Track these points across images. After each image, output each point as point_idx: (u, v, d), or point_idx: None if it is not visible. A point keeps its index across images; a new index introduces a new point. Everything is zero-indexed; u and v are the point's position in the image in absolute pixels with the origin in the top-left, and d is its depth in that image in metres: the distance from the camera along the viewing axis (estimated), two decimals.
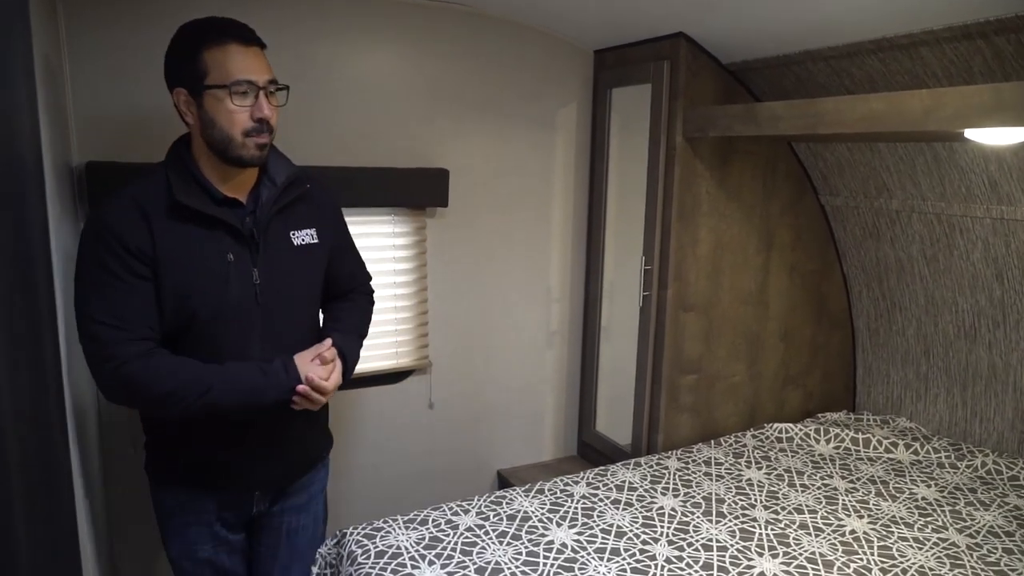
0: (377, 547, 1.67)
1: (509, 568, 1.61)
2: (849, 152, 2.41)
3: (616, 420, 2.68)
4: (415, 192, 2.30)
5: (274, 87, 1.39)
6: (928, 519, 1.91)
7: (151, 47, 1.49)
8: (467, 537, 1.74)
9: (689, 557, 1.68)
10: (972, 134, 1.66)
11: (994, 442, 2.40)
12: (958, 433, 2.49)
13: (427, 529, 1.76)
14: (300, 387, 1.41)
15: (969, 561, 1.70)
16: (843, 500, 2.01)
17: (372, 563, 1.61)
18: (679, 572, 1.61)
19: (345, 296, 1.71)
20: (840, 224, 2.65)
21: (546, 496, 1.97)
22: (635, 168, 2.43)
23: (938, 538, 1.81)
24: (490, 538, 1.74)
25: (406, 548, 1.67)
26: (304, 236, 1.51)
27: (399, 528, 1.76)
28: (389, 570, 1.59)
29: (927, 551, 1.74)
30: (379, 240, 2.32)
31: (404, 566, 1.60)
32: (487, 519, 1.83)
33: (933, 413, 2.59)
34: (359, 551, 1.66)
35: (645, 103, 2.35)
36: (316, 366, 1.45)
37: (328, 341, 1.49)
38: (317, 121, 2.14)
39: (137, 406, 1.48)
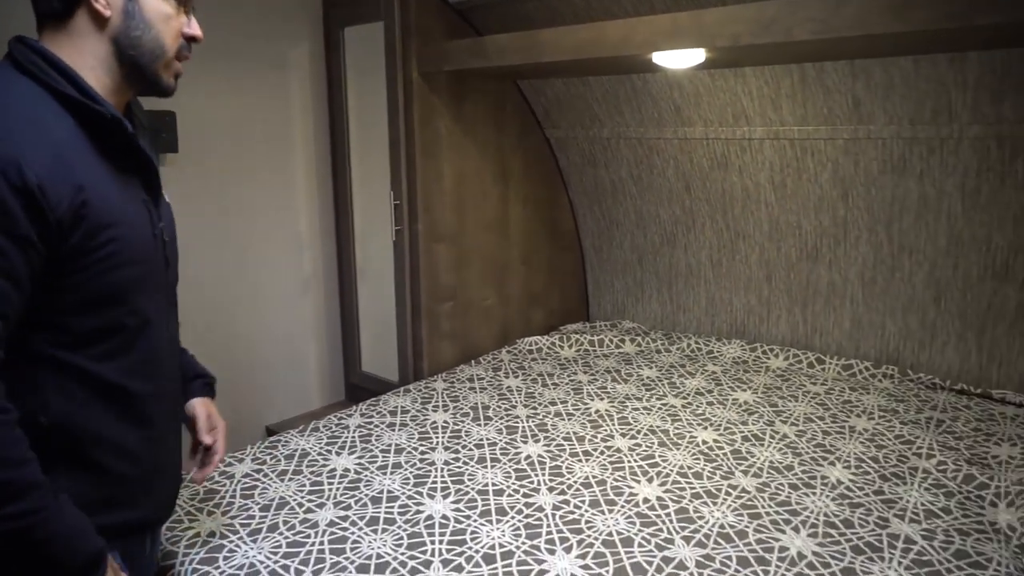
0: None
1: (295, 499, 1.61)
2: (566, 87, 2.68)
3: (381, 357, 2.75)
4: None
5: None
6: (652, 391, 2.29)
7: None
8: (245, 483, 1.70)
9: (464, 456, 1.83)
10: (659, 58, 1.96)
11: (694, 328, 2.92)
12: (668, 325, 2.98)
13: (200, 487, 1.68)
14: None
15: (684, 416, 2.08)
16: (587, 389, 2.31)
17: None
18: (457, 469, 1.75)
19: None
20: (563, 154, 2.95)
21: (322, 432, 1.98)
22: (375, 106, 2.46)
23: (660, 404, 2.18)
24: (270, 479, 1.72)
25: (180, 506, 1.58)
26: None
27: None
28: (165, 528, 1.50)
29: (654, 414, 2.09)
30: None
31: (181, 522, 1.52)
32: (264, 463, 1.80)
33: (649, 312, 3.05)
34: None
35: (379, 41, 2.38)
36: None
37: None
38: None
39: None
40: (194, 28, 1.07)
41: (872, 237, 2.39)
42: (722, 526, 1.50)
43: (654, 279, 3.00)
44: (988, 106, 1.98)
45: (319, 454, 1.85)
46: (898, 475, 1.74)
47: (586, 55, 1.92)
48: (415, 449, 1.87)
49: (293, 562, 1.38)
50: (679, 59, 1.96)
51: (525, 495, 1.63)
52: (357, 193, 2.69)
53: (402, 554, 1.40)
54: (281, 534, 1.48)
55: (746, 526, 1.50)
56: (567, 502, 1.59)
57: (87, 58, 0.98)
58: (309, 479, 1.71)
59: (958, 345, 2.37)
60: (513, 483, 1.68)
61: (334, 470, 1.76)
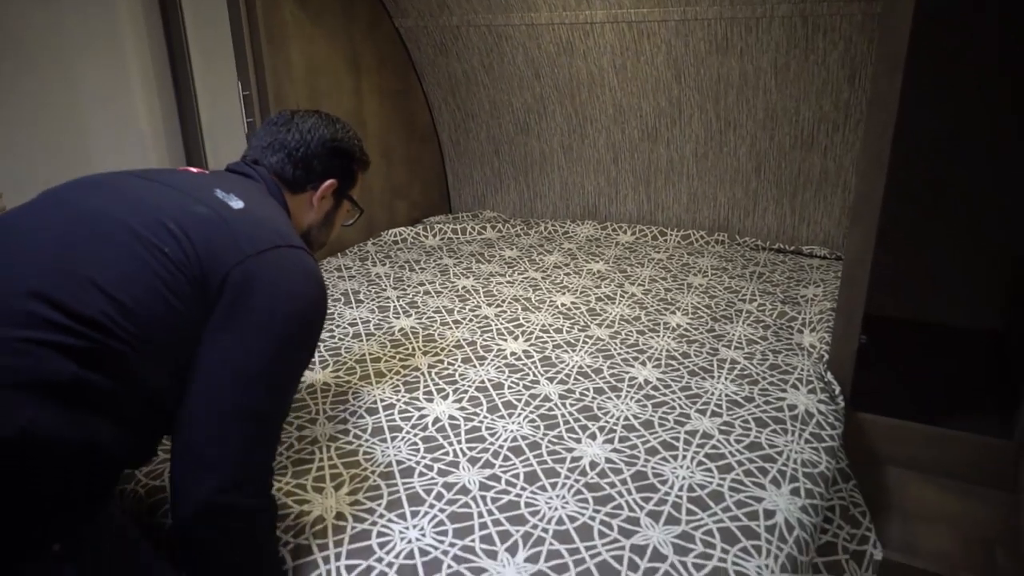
0: None
1: None
2: None
3: None
4: None
5: None
6: (514, 268, 2.44)
7: None
8: None
9: (339, 333, 1.90)
10: None
11: (551, 213, 3.09)
12: (526, 212, 3.13)
13: None
14: None
15: (544, 285, 2.26)
16: (452, 271, 2.43)
17: None
18: (333, 344, 1.83)
19: None
20: (414, 44, 2.94)
21: None
22: None
23: (522, 277, 2.34)
24: None
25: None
26: None
27: None
28: None
29: (516, 286, 2.25)
30: None
31: None
32: None
33: (508, 201, 3.18)
34: None
35: None
36: None
37: None
38: None
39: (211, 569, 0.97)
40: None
41: (703, 115, 2.63)
42: (580, 367, 1.69)
43: (511, 168, 3.11)
44: None
45: None
46: (726, 316, 2.01)
47: None
48: None
49: None
50: None
51: (401, 359, 1.74)
52: (201, 85, 2.55)
53: (294, 417, 1.48)
54: None
55: (601, 365, 1.70)
56: (441, 361, 1.72)
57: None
58: None
59: (776, 210, 2.70)
60: (389, 351, 1.79)
61: None
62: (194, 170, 1.16)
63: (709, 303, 2.11)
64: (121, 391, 0.87)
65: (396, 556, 1.08)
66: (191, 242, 0.94)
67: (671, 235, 2.75)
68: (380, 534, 1.13)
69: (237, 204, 1.04)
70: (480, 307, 2.08)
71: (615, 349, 1.79)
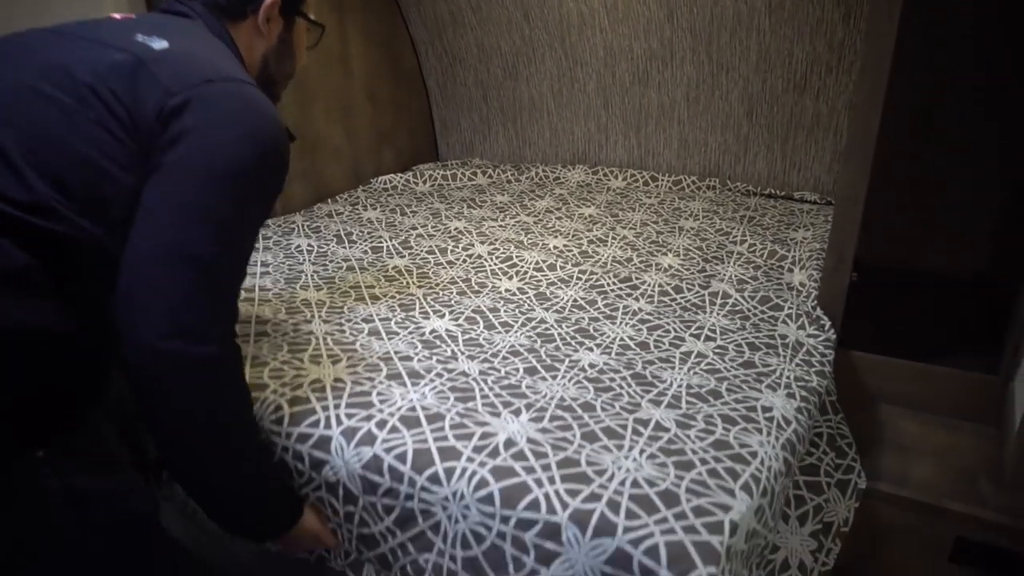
0: None
1: None
2: None
3: None
4: None
5: None
6: (505, 212, 2.42)
7: None
8: None
9: (332, 267, 1.89)
10: None
11: (540, 159, 3.06)
12: (516, 156, 3.10)
13: None
14: None
15: (536, 229, 2.25)
16: (445, 214, 2.40)
17: None
18: (327, 274, 1.82)
19: None
20: None
21: None
22: None
23: (514, 221, 2.32)
24: None
25: None
26: None
27: None
28: None
29: (508, 229, 2.24)
30: None
31: None
32: None
33: (496, 148, 3.14)
34: None
35: None
36: None
37: None
38: None
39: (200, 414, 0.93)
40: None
41: (695, 57, 2.59)
42: (575, 300, 1.69)
43: (499, 115, 3.07)
44: None
45: None
46: (718, 257, 2.01)
47: None
48: (282, 264, 1.90)
49: None
50: None
51: (397, 289, 1.73)
52: None
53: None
54: None
55: (595, 298, 1.70)
56: (436, 294, 1.71)
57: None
58: None
59: (767, 156, 2.68)
60: (383, 282, 1.78)
61: None
62: (118, 16, 1.05)
63: (700, 245, 2.11)
64: (75, 273, 0.84)
65: (397, 410, 1.11)
66: (114, 94, 0.87)
67: (662, 180, 2.74)
68: (380, 395, 1.16)
69: (160, 44, 0.93)
70: (473, 246, 2.06)
71: (608, 285, 1.79)
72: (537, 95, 2.94)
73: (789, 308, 1.67)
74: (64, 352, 0.84)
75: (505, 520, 0.95)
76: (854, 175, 1.67)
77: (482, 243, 2.09)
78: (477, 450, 1.03)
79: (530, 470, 0.98)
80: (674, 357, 1.39)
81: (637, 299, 1.70)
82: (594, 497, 0.93)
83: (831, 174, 2.59)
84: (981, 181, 2.61)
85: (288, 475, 1.11)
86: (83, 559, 0.88)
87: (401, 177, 2.80)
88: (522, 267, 1.91)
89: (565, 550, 0.91)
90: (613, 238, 2.16)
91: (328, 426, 1.09)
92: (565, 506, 0.92)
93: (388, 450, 1.04)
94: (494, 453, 1.02)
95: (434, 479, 1.00)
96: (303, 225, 2.27)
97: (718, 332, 1.53)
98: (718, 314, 1.63)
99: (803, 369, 1.38)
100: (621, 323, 1.55)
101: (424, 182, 2.79)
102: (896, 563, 1.61)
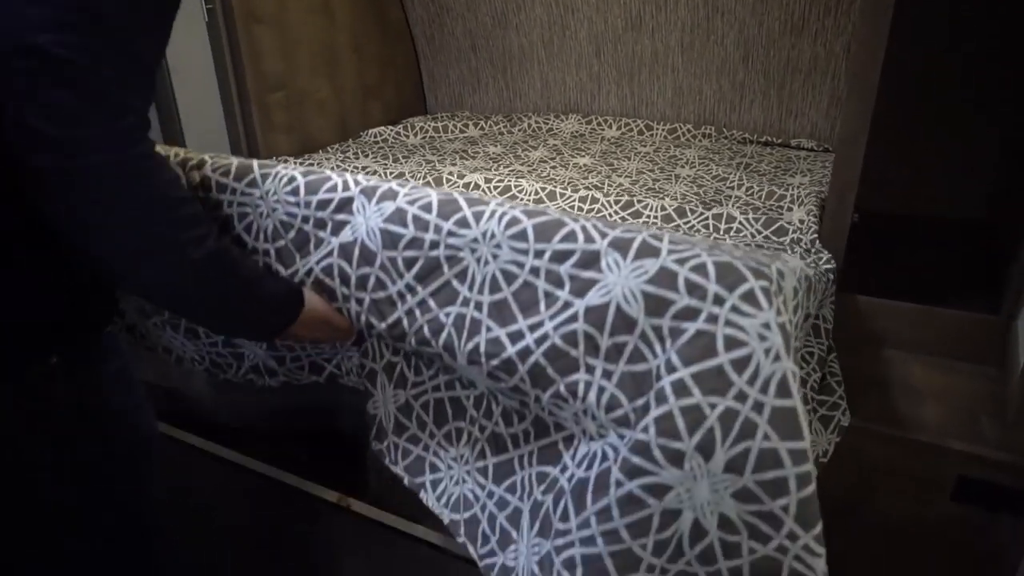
0: None
1: None
2: None
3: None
4: None
5: None
6: (500, 162, 2.37)
7: None
8: None
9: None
10: None
11: (531, 109, 2.99)
12: (507, 109, 3.03)
13: None
14: None
15: (530, 178, 2.20)
16: (438, 166, 2.34)
17: None
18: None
19: None
20: None
21: None
22: None
23: (508, 171, 2.27)
24: None
25: None
26: None
27: None
28: None
29: (504, 179, 2.18)
30: None
31: None
32: None
33: (486, 101, 3.07)
34: None
35: None
36: None
37: None
38: None
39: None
40: None
41: (689, 0, 2.52)
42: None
43: (488, 66, 2.99)
44: None
45: None
46: (716, 200, 1.98)
47: None
48: None
49: None
50: None
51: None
52: None
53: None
54: None
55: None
56: None
57: None
58: None
59: (763, 103, 2.63)
60: None
61: None
62: None
63: (698, 191, 2.07)
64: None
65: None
66: None
67: (657, 129, 2.68)
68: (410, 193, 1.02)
69: None
70: (470, 184, 2.02)
71: (608, 213, 1.76)
72: (527, 44, 2.86)
73: (791, 240, 1.66)
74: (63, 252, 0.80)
75: (539, 254, 0.87)
76: (855, 116, 1.62)
77: (482, 189, 2.04)
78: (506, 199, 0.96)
79: (564, 211, 0.92)
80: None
81: (647, 222, 1.67)
82: (635, 229, 0.86)
83: (828, 120, 2.55)
84: (980, 128, 2.57)
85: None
86: (86, 471, 0.88)
87: (391, 130, 2.73)
88: (522, 198, 1.87)
89: (604, 276, 0.84)
90: (609, 186, 2.11)
91: (347, 188, 1.02)
92: (604, 235, 0.85)
93: (412, 202, 0.96)
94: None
95: (462, 223, 0.92)
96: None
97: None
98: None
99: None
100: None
101: (415, 134, 2.72)
102: (895, 503, 1.61)
